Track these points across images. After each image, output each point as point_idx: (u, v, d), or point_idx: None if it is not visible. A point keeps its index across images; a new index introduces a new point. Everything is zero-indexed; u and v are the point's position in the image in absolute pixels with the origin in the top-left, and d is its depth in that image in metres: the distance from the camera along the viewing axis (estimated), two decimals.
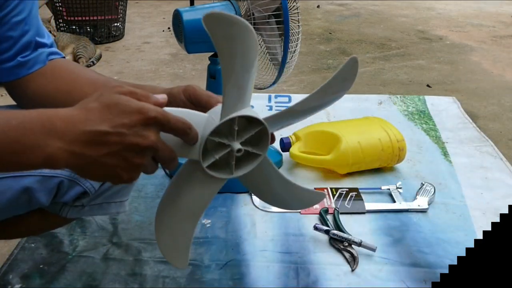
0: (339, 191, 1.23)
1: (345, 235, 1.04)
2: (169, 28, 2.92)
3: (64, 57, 0.85)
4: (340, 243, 1.04)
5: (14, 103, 0.84)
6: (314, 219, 1.13)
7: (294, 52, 1.16)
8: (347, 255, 1.02)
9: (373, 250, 1.02)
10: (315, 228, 1.08)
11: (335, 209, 1.15)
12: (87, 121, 0.52)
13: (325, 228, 1.07)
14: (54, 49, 0.83)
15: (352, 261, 1.00)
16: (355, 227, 1.10)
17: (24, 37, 0.76)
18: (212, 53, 1.22)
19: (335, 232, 1.06)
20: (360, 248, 1.02)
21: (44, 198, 0.75)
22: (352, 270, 0.98)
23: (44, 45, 0.80)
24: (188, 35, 1.13)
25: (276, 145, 1.39)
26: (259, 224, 1.12)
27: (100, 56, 2.39)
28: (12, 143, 0.51)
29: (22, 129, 0.51)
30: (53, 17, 2.59)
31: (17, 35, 0.76)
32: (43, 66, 0.79)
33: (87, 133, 0.52)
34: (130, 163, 0.55)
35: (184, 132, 0.58)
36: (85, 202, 0.80)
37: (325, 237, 1.07)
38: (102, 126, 0.52)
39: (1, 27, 0.74)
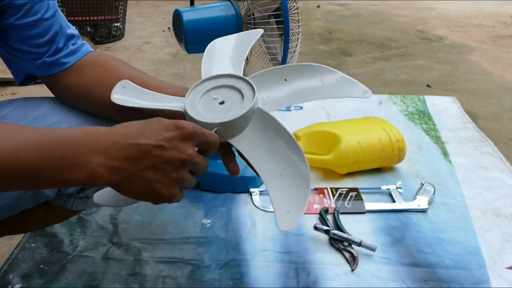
0: (339, 191, 1.23)
1: (345, 235, 1.04)
2: (169, 28, 2.92)
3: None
4: (340, 243, 1.04)
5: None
6: (314, 219, 1.13)
7: (294, 52, 1.16)
8: (347, 255, 1.02)
9: (373, 250, 1.02)
10: (315, 228, 1.08)
11: (335, 209, 1.15)
12: (128, 135, 0.55)
13: (325, 228, 1.07)
14: (84, 42, 0.84)
15: (352, 261, 1.00)
16: (355, 227, 1.10)
17: (52, 33, 0.77)
18: None
19: (335, 232, 1.06)
20: (360, 248, 1.02)
21: (50, 190, 0.76)
22: (352, 270, 0.98)
23: (73, 37, 0.82)
24: (188, 35, 1.13)
25: None
26: (259, 224, 1.12)
27: None
28: (56, 161, 0.53)
29: (66, 147, 0.53)
30: None
31: (47, 31, 0.76)
32: (79, 60, 0.80)
33: (128, 146, 0.54)
34: (169, 177, 0.56)
35: (216, 144, 0.61)
36: (90, 193, 0.80)
37: (325, 237, 1.07)
38: (142, 140, 0.55)
39: (31, 29, 0.75)
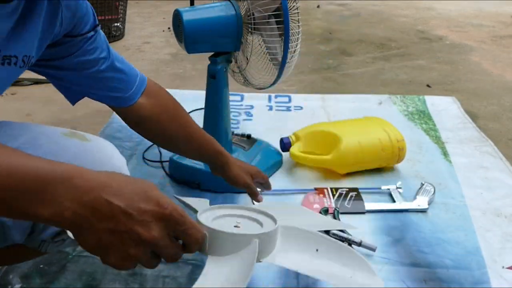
0: (339, 191, 1.23)
1: (345, 235, 1.04)
2: (169, 28, 2.92)
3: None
4: None
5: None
6: None
7: (294, 52, 1.16)
8: None
9: (373, 250, 1.02)
10: None
11: (335, 209, 1.15)
12: (105, 188, 0.51)
13: None
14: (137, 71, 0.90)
15: None
16: (355, 227, 1.10)
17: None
18: (212, 53, 1.22)
19: (335, 232, 1.06)
20: (360, 248, 1.02)
21: (18, 236, 0.74)
22: None
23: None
24: (188, 35, 1.13)
25: (276, 145, 1.39)
26: None
27: None
28: (27, 193, 0.49)
29: (42, 182, 0.50)
30: None
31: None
32: (139, 98, 0.88)
33: (100, 199, 0.50)
34: (124, 249, 0.52)
35: (196, 241, 0.56)
36: (65, 236, 0.77)
37: None
38: (116, 200, 0.51)
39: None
